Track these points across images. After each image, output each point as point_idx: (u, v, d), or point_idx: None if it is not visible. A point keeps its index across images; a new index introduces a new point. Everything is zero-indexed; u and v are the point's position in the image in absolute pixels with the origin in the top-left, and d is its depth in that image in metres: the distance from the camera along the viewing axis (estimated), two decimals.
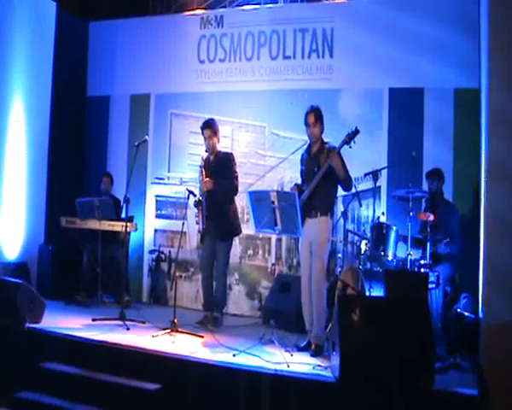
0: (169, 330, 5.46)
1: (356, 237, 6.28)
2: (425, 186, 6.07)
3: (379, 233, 5.70)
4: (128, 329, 5.59)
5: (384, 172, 6.52)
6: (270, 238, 7.16)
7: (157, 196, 7.83)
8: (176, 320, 5.52)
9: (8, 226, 7.09)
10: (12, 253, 7.13)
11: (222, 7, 7.91)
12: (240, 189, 6.10)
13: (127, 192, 6.57)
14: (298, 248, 5.50)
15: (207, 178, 5.90)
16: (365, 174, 6.07)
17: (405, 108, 6.64)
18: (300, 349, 5.11)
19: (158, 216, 7.82)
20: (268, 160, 7.21)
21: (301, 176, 5.43)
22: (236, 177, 6.04)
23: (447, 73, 6.42)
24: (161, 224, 7.79)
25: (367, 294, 5.44)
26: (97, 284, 6.88)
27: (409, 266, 5.50)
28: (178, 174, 7.68)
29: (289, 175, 6.90)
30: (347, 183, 5.17)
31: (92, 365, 4.90)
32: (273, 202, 4.87)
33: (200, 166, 6.01)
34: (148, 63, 7.93)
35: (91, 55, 8.36)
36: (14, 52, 7.15)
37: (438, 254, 5.62)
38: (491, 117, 4.43)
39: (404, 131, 6.59)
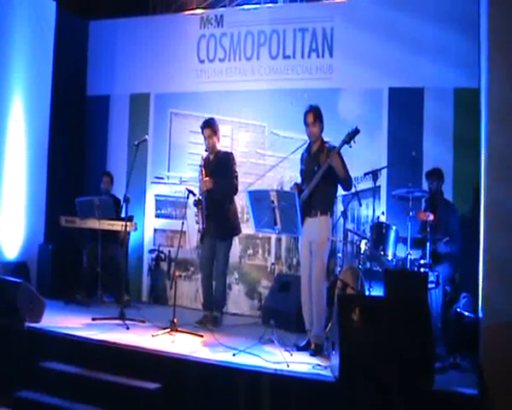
0: (169, 330, 5.46)
1: (356, 237, 6.29)
2: (425, 186, 6.07)
3: (379, 233, 5.71)
4: (128, 328, 5.59)
5: (384, 172, 6.52)
6: (269, 238, 7.16)
7: (157, 195, 7.83)
8: (175, 320, 5.52)
9: (7, 226, 7.09)
10: (12, 252, 7.14)
11: (222, 6, 7.92)
12: (239, 188, 6.10)
13: (127, 192, 6.57)
14: (297, 247, 5.50)
15: (207, 178, 5.90)
16: (365, 174, 6.08)
17: (405, 108, 6.64)
18: (300, 349, 5.11)
19: (158, 216, 7.82)
20: (268, 159, 7.21)
21: (301, 175, 5.43)
22: (236, 176, 6.04)
23: (447, 73, 6.42)
24: (161, 223, 7.79)
25: (367, 293, 5.44)
26: (97, 284, 6.88)
27: (408, 265, 5.51)
28: (178, 174, 7.68)
29: (289, 175, 6.90)
30: (347, 182, 5.17)
31: (92, 364, 4.89)
32: (273, 202, 4.87)
33: (200, 166, 6.01)
34: (148, 63, 7.93)
35: (91, 55, 8.36)
36: (14, 52, 7.15)
37: (438, 254, 5.63)
38: (491, 117, 4.43)
39: (404, 131, 6.59)
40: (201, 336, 5.44)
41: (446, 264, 5.64)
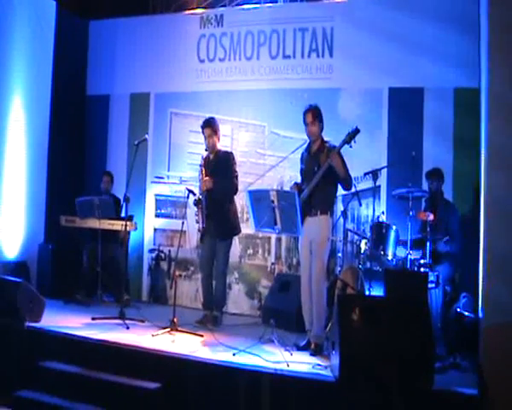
0: (169, 330, 5.46)
1: (356, 237, 6.29)
2: (425, 186, 6.08)
3: (379, 233, 5.71)
4: (128, 328, 5.59)
5: (384, 172, 6.52)
6: (269, 238, 7.16)
7: (157, 195, 7.83)
8: (175, 319, 5.52)
9: (7, 225, 7.09)
10: (12, 252, 7.14)
11: (222, 6, 7.91)
12: (240, 188, 6.10)
13: (127, 191, 6.57)
14: (297, 247, 5.50)
15: (207, 177, 5.90)
16: (365, 174, 6.07)
17: (405, 108, 6.64)
18: (300, 349, 5.11)
19: (158, 215, 7.82)
20: (268, 159, 7.22)
21: (301, 175, 5.43)
22: (236, 176, 6.04)
23: (447, 73, 6.42)
24: (161, 223, 7.79)
25: (367, 293, 5.44)
26: (97, 283, 6.88)
27: (408, 265, 5.51)
28: (178, 173, 7.68)
29: (289, 174, 6.91)
30: (347, 182, 5.17)
31: (92, 364, 4.89)
32: (273, 202, 4.87)
33: (200, 165, 6.01)
34: (148, 62, 7.93)
35: (91, 54, 8.36)
36: (13, 51, 7.15)
37: (438, 253, 5.63)
38: (492, 117, 4.43)
39: (404, 131, 6.59)
40: (201, 335, 5.44)
41: (446, 264, 5.64)
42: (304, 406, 4.25)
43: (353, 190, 5.49)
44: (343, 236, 6.41)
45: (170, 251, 7.63)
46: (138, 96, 8.02)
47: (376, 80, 6.76)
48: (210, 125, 6.04)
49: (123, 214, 7.05)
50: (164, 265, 7.70)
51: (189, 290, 7.46)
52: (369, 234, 5.87)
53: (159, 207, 7.82)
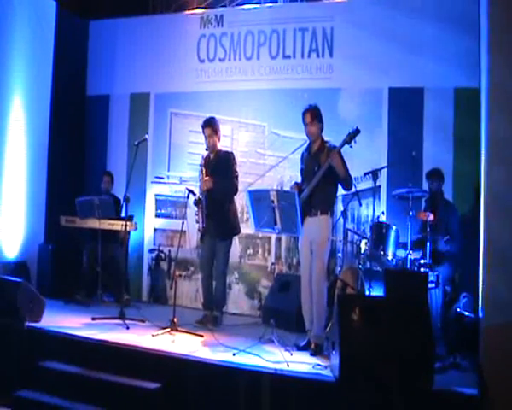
0: (169, 330, 5.46)
1: (356, 237, 6.29)
2: (425, 186, 6.08)
3: (379, 233, 5.71)
4: (128, 328, 5.59)
5: (384, 172, 6.52)
6: (269, 238, 7.16)
7: (157, 195, 7.83)
8: (175, 319, 5.52)
9: (7, 225, 7.09)
10: (12, 252, 7.14)
11: (222, 6, 7.92)
12: (240, 188, 6.10)
13: (127, 191, 6.57)
14: (297, 247, 5.50)
15: (207, 177, 5.90)
16: (365, 174, 6.07)
17: (405, 108, 6.64)
18: (300, 349, 5.11)
19: (158, 215, 7.83)
20: (268, 159, 7.22)
21: (301, 175, 5.43)
22: (237, 176, 6.04)
23: (447, 73, 6.42)
24: (161, 223, 7.80)
25: (367, 293, 5.45)
26: (97, 283, 6.88)
27: (408, 265, 5.51)
28: (178, 173, 7.68)
29: (289, 174, 6.91)
30: (348, 182, 5.17)
31: (92, 364, 4.89)
32: (273, 202, 4.87)
33: (201, 165, 6.01)
34: (148, 62, 7.93)
35: (91, 55, 8.36)
36: (14, 52, 7.15)
37: (438, 252, 5.63)
38: (492, 117, 4.43)
39: (404, 131, 6.59)
40: (201, 335, 5.44)
41: (446, 264, 5.65)
42: (304, 406, 4.25)
43: (353, 190, 5.49)
44: (343, 236, 6.41)
45: (170, 251, 7.63)
46: (138, 96, 8.02)
47: (376, 80, 6.76)
48: (210, 125, 6.04)
49: (123, 214, 7.06)
50: (164, 265, 7.70)
51: (189, 290, 7.46)
52: (369, 234, 5.87)
53: (159, 208, 7.82)
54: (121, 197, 7.01)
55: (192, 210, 6.09)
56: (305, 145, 5.45)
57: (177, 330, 5.46)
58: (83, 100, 8.31)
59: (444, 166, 6.11)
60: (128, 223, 6.60)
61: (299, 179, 5.46)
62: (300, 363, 4.64)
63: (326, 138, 5.32)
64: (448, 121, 6.44)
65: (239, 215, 6.42)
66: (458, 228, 5.75)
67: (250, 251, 7.27)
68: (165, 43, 7.82)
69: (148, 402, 4.52)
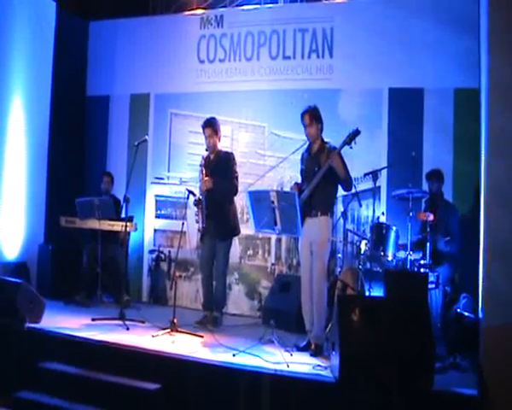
0: (169, 330, 5.46)
1: (356, 237, 6.29)
2: (425, 186, 6.08)
3: (379, 233, 5.71)
4: (128, 329, 5.58)
5: (384, 173, 6.52)
6: (269, 238, 7.16)
7: (157, 195, 7.83)
8: (175, 320, 5.52)
9: (7, 226, 7.08)
10: (12, 253, 7.13)
11: (222, 7, 7.91)
12: (240, 189, 6.10)
13: (127, 192, 6.58)
14: (298, 247, 5.49)
15: (207, 177, 5.90)
16: (365, 174, 6.07)
17: (405, 108, 6.65)
18: (300, 349, 5.11)
19: (158, 216, 7.82)
20: (268, 159, 7.21)
21: (301, 175, 5.42)
22: (237, 177, 6.04)
23: (447, 73, 6.42)
24: (161, 224, 7.79)
25: (367, 294, 5.44)
26: (97, 284, 6.88)
27: (408, 266, 5.51)
28: (178, 174, 7.68)
29: (289, 175, 6.90)
30: (348, 183, 5.17)
31: (92, 364, 4.89)
32: (273, 202, 4.87)
33: (201, 165, 6.00)
34: (148, 63, 7.93)
35: (91, 55, 8.36)
36: (13, 52, 7.15)
37: (438, 252, 5.62)
38: (491, 117, 4.43)
39: (404, 132, 6.60)
40: (201, 336, 5.44)
41: (446, 264, 5.65)
42: (304, 406, 4.25)
43: (353, 190, 5.49)
44: (343, 236, 6.42)
45: (170, 252, 7.63)
46: (138, 96, 8.02)
47: (376, 81, 6.76)
48: (211, 125, 6.03)
49: (123, 215, 7.06)
50: (164, 265, 7.70)
51: (189, 291, 7.46)
52: (369, 235, 5.87)
53: (159, 208, 7.82)
54: (121, 198, 7.01)
55: (192, 211, 6.09)
56: (305, 146, 5.45)
57: (177, 331, 5.47)
58: (83, 100, 8.31)
59: (444, 166, 6.11)
60: (128, 224, 6.59)
61: (299, 180, 5.46)
62: (300, 364, 4.64)
63: (326, 139, 5.32)
64: (448, 122, 6.44)
65: (239, 216, 6.42)
66: (458, 229, 5.75)
67: (250, 252, 7.27)
68: (165, 44, 7.82)
69: (148, 403, 4.52)
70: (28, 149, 7.37)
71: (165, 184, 7.78)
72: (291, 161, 6.26)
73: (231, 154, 6.23)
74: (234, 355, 4.75)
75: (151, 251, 7.76)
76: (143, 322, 5.89)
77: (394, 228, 5.69)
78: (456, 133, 6.40)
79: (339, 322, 4.25)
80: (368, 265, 5.90)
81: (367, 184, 6.35)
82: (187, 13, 7.97)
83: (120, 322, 5.72)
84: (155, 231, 7.81)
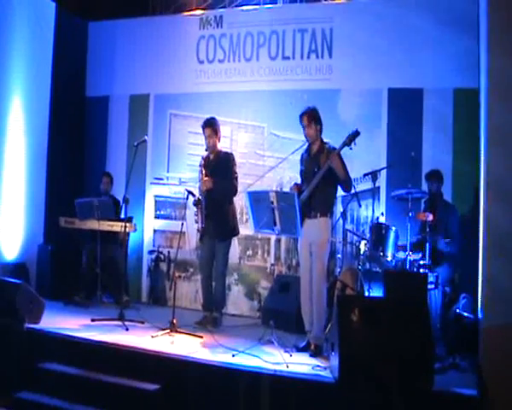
0: (168, 331, 5.46)
1: (355, 238, 6.29)
2: (424, 187, 6.08)
3: (378, 234, 5.71)
4: (127, 329, 5.58)
5: (383, 173, 6.51)
6: (269, 239, 7.16)
7: (156, 196, 7.83)
8: (175, 321, 5.52)
9: (7, 227, 7.08)
10: (11, 253, 7.12)
11: (221, 7, 7.91)
12: (239, 189, 6.09)
13: (126, 192, 6.57)
14: (297, 248, 5.49)
15: (207, 177, 5.90)
16: (364, 175, 6.06)
17: (405, 109, 6.65)
18: (300, 350, 5.11)
19: (157, 216, 7.82)
20: (267, 160, 7.21)
21: (301, 176, 5.42)
22: (236, 177, 6.03)
23: (446, 74, 6.43)
24: (160, 224, 7.79)
25: (366, 294, 5.44)
26: (96, 285, 6.87)
27: (408, 266, 5.51)
28: (177, 174, 7.68)
29: (288, 175, 6.90)
30: (347, 184, 5.17)
31: (91, 365, 4.89)
32: (272, 203, 4.87)
33: (200, 165, 6.00)
34: (148, 63, 7.93)
35: (91, 56, 8.36)
36: (13, 52, 7.14)
37: (438, 252, 5.62)
38: (491, 117, 4.43)
39: (404, 132, 6.60)
40: (201, 337, 5.44)
41: (446, 265, 5.65)
42: (303, 407, 4.25)
43: (353, 191, 5.48)
44: (342, 237, 6.41)
45: (169, 252, 7.62)
46: (138, 97, 8.02)
47: (376, 81, 6.76)
48: (211, 125, 6.03)
49: (122, 216, 7.05)
50: (163, 266, 7.69)
51: (188, 292, 7.46)
52: (368, 235, 5.87)
53: (158, 209, 7.82)
54: (120, 198, 7.00)
55: (191, 211, 6.09)
56: (305, 146, 5.44)
57: (176, 332, 5.47)
58: (82, 101, 8.31)
59: (443, 166, 6.12)
60: (127, 224, 6.59)
61: (298, 180, 5.45)
62: (300, 364, 4.64)
63: (325, 140, 5.32)
64: (447, 122, 6.44)
65: (238, 216, 6.42)
66: (458, 229, 5.76)
67: (249, 252, 7.27)
68: (165, 45, 7.82)
69: (147, 403, 4.52)
70: (27, 150, 7.37)
71: (164, 184, 7.78)
72: (290, 162, 6.25)
73: (231, 154, 6.22)
74: (233, 356, 4.75)
75: (150, 252, 7.76)
76: (143, 322, 5.88)
77: (394, 228, 5.70)
78: (455, 133, 6.40)
79: (338, 322, 4.25)
80: (367, 265, 5.89)
81: (366, 185, 6.35)
82: (186, 13, 7.96)
83: (120, 322, 5.72)
84: (155, 231, 7.80)
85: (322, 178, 5.05)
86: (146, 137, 6.53)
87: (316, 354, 4.98)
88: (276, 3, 7.68)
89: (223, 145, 6.36)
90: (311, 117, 5.22)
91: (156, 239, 7.79)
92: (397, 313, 4.26)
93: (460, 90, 6.38)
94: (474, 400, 4.00)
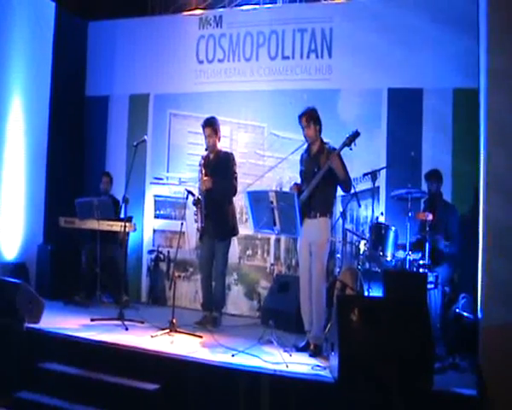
0: (168, 331, 5.46)
1: (355, 238, 6.29)
2: (424, 187, 6.08)
3: (377, 233, 5.71)
4: (127, 329, 5.58)
5: (383, 173, 6.51)
6: (268, 238, 7.16)
7: (156, 196, 7.83)
8: (175, 320, 5.52)
9: (6, 226, 7.08)
10: (11, 253, 7.13)
11: (221, 7, 7.90)
12: (239, 189, 6.09)
13: (126, 192, 6.57)
14: (296, 248, 5.49)
15: (206, 177, 5.90)
16: (364, 174, 6.05)
17: (404, 109, 6.65)
18: (299, 350, 5.11)
19: (157, 216, 7.82)
20: (267, 160, 7.21)
21: (301, 176, 5.42)
22: (236, 177, 6.03)
23: (446, 73, 6.43)
24: (160, 224, 7.79)
25: (366, 294, 5.44)
26: (96, 284, 6.87)
27: (408, 266, 5.51)
28: (177, 174, 7.68)
29: (288, 175, 6.90)
30: (347, 184, 5.17)
31: (91, 365, 4.89)
32: (272, 202, 4.87)
33: (200, 165, 6.00)
34: (147, 63, 7.92)
35: (90, 55, 8.35)
36: (13, 52, 7.14)
37: (437, 252, 5.62)
38: (490, 117, 4.43)
39: (403, 132, 6.60)
40: (201, 336, 5.44)
41: (445, 264, 5.65)
42: (303, 407, 4.25)
43: (352, 191, 5.49)
44: (342, 237, 6.40)
45: (169, 252, 7.62)
46: (137, 97, 8.02)
47: (376, 81, 6.76)
48: (211, 125, 6.02)
49: (122, 215, 7.05)
50: (163, 266, 7.69)
51: (188, 291, 7.46)
52: (368, 235, 5.87)
53: (158, 208, 7.82)
54: (120, 198, 7.00)
55: (191, 211, 6.10)
56: (305, 147, 5.45)
57: (176, 331, 5.47)
58: (82, 100, 8.31)
59: (443, 166, 6.12)
60: (127, 224, 6.59)
61: (298, 180, 5.45)
62: (299, 364, 4.65)
63: (325, 140, 5.32)
64: (447, 122, 6.45)
65: (238, 216, 6.42)
66: (457, 229, 5.76)
67: (249, 252, 7.27)
68: (165, 44, 7.82)
69: (147, 403, 4.52)
70: (27, 150, 7.37)
71: (164, 184, 7.78)
72: (290, 162, 6.26)
73: (231, 154, 6.22)
74: (233, 356, 4.75)
75: (150, 251, 7.76)
76: (142, 322, 5.88)
77: (393, 228, 5.70)
78: (455, 133, 6.40)
79: (338, 322, 4.25)
80: (367, 265, 5.89)
81: (366, 185, 6.35)
82: (186, 13, 7.96)
83: (119, 322, 5.72)
84: (154, 231, 7.81)
85: (321, 179, 5.05)
86: (146, 137, 6.54)
87: (315, 353, 4.98)
88: (275, 3, 7.68)
89: (222, 145, 6.36)
90: (310, 118, 5.23)
91: (156, 239, 7.79)
92: (396, 313, 4.26)
93: (460, 90, 6.38)
94: (473, 400, 4.00)
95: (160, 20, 8.04)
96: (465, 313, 5.17)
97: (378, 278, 5.58)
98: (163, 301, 7.56)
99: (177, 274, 6.98)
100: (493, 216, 4.33)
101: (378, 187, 6.37)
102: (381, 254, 5.65)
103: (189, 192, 5.98)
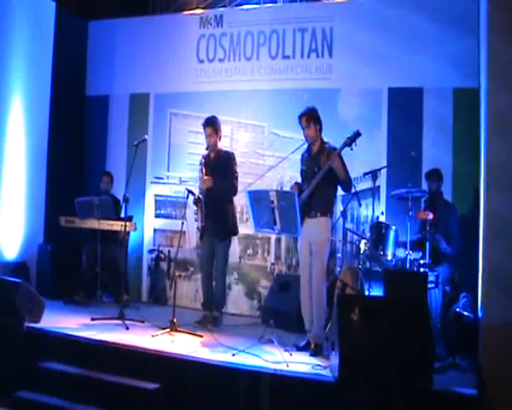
0: (168, 330, 5.46)
1: (355, 237, 6.29)
2: (424, 186, 6.08)
3: (378, 233, 5.70)
4: (127, 328, 5.58)
5: (383, 172, 6.51)
6: (269, 238, 7.16)
7: (156, 195, 7.83)
8: (175, 320, 5.52)
9: (7, 226, 7.08)
10: (11, 252, 7.13)
11: (221, 6, 7.90)
12: (239, 188, 6.09)
13: (126, 192, 6.56)
14: (297, 247, 5.49)
15: (207, 176, 5.90)
16: (364, 174, 6.06)
17: (405, 108, 6.65)
18: (300, 349, 5.11)
19: (157, 216, 7.82)
20: (267, 159, 7.21)
21: (301, 176, 5.42)
22: (236, 177, 6.03)
23: (446, 73, 6.43)
24: (161, 223, 7.79)
25: (366, 293, 5.44)
26: (96, 284, 6.88)
27: (408, 265, 5.51)
28: (178, 174, 7.68)
29: (288, 175, 6.90)
30: (347, 184, 5.17)
31: (92, 364, 4.89)
32: (272, 202, 4.87)
33: (201, 164, 6.00)
34: (148, 63, 7.93)
35: (91, 55, 8.36)
36: (13, 52, 7.15)
37: (438, 251, 5.62)
38: (491, 117, 4.43)
39: (404, 131, 6.60)
40: (201, 336, 5.44)
41: (446, 264, 5.65)
42: (303, 406, 4.25)
43: (353, 191, 5.48)
44: (342, 236, 6.40)
45: (169, 251, 7.63)
46: (138, 96, 8.02)
47: (376, 80, 6.76)
48: (211, 124, 6.02)
49: (122, 215, 7.05)
50: (163, 265, 7.70)
51: (188, 291, 7.46)
52: (368, 234, 5.87)
53: (158, 208, 7.82)
54: (121, 198, 7.00)
55: (191, 211, 6.10)
56: (305, 146, 5.44)
57: (176, 331, 5.47)
58: (82, 100, 8.31)
59: (443, 166, 6.11)
60: (127, 223, 6.59)
61: (298, 180, 5.45)
62: (300, 363, 4.64)
63: (326, 139, 5.32)
64: (447, 121, 6.45)
65: (239, 215, 6.42)
66: (458, 228, 5.76)
67: (250, 251, 7.27)
68: (165, 44, 7.82)
69: (147, 403, 4.52)
70: (28, 149, 7.37)
71: (164, 183, 7.78)
72: (290, 161, 6.26)
73: (232, 153, 6.22)
74: (233, 355, 4.75)
75: (151, 251, 7.76)
76: (143, 322, 5.89)
77: (394, 227, 5.69)
78: (455, 133, 6.40)
79: (338, 322, 4.25)
80: (367, 264, 5.89)
81: (366, 184, 6.35)
82: (186, 12, 7.97)
83: (120, 322, 5.72)
84: (155, 230, 7.81)
85: (322, 178, 5.05)
86: (146, 137, 6.53)
87: (316, 353, 4.98)
88: (276, 3, 7.68)
89: (223, 144, 6.36)
90: (310, 117, 5.22)
91: (156, 238, 7.79)
92: (397, 313, 4.26)
93: (460, 89, 6.38)
94: (473, 399, 4.00)
95: (161, 20, 8.04)
96: (465, 313, 5.16)
97: (378, 277, 5.58)
98: (163, 300, 7.57)
99: (177, 273, 7.00)
100: (494, 213, 4.33)
101: (378, 186, 6.38)
102: (382, 253, 5.65)
103: (190, 191, 5.98)
